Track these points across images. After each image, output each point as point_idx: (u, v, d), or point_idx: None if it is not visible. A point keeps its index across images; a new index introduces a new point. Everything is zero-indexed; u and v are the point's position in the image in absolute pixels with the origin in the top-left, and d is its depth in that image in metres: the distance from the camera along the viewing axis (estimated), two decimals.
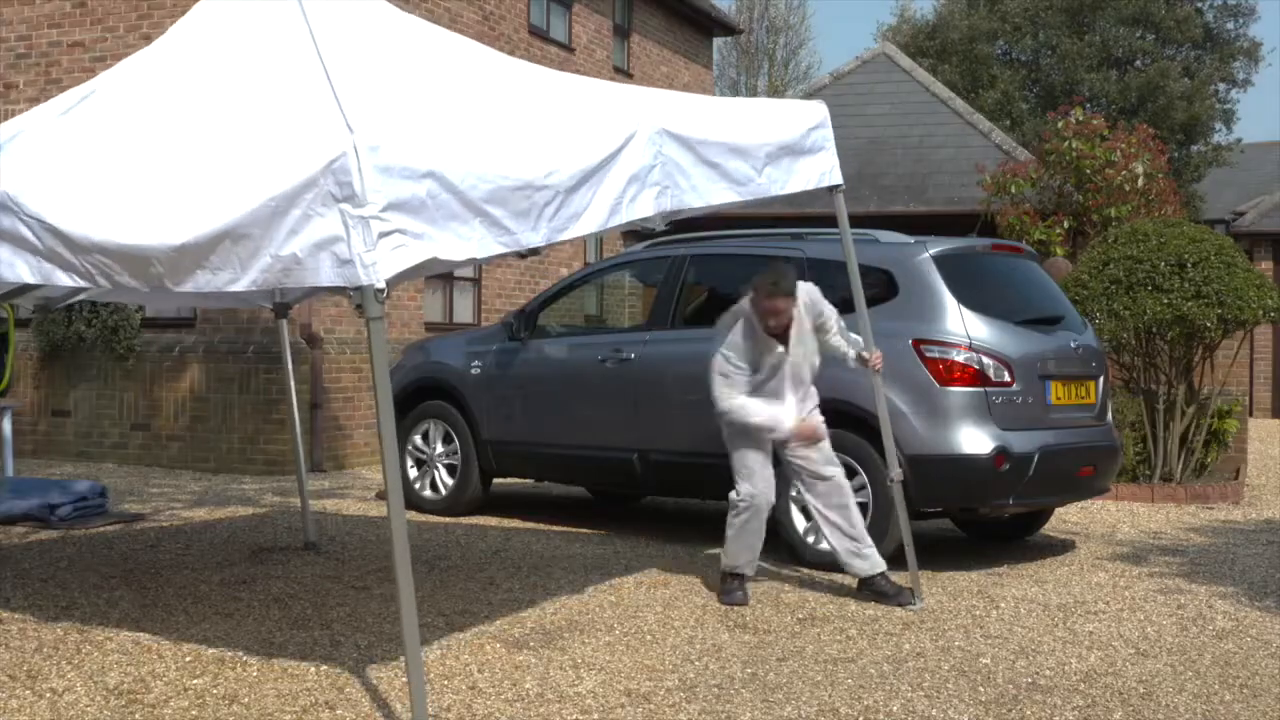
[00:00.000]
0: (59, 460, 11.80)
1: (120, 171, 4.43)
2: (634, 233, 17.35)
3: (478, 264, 5.60)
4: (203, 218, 4.01)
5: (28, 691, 4.61)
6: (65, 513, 8.22)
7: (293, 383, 7.85)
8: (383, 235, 3.76)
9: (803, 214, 16.12)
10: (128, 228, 4.17)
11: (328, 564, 7.06)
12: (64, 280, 4.39)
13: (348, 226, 3.75)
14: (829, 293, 7.58)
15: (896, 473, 6.39)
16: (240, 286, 4.01)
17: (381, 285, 3.75)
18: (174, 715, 4.39)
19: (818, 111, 6.12)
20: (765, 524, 6.35)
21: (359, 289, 3.75)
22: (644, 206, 4.86)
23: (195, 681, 4.76)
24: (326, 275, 3.82)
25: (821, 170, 6.09)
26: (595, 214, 4.60)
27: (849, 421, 7.14)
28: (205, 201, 4.05)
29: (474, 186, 4.07)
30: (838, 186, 6.21)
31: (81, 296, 7.26)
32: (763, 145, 5.65)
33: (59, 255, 4.33)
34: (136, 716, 4.37)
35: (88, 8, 12.00)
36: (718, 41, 27.04)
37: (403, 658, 5.09)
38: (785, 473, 7.32)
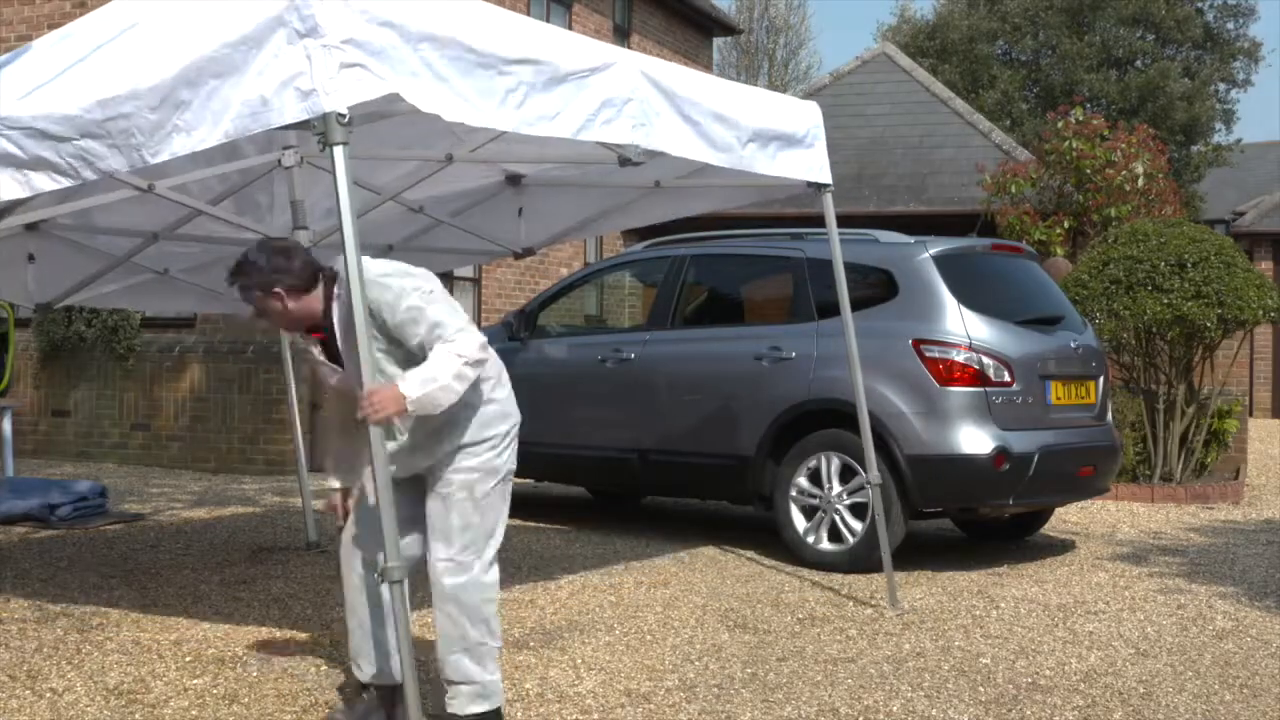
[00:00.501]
0: (59, 460, 11.80)
1: (96, 65, 4.44)
2: (634, 232, 17.36)
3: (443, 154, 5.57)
4: (173, 68, 4.07)
5: (28, 691, 4.61)
6: (65, 513, 8.22)
7: (292, 377, 7.82)
8: (345, 66, 3.82)
9: (803, 214, 16.13)
10: (104, 99, 4.21)
11: (328, 564, 7.06)
12: (47, 183, 4.37)
13: (310, 59, 3.81)
14: (829, 293, 7.59)
15: (875, 476, 6.36)
16: (214, 140, 4.03)
17: (344, 111, 3.79)
18: (174, 715, 4.39)
19: (812, 110, 6.18)
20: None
21: (322, 117, 3.79)
22: (618, 132, 4.88)
23: (195, 681, 4.76)
24: (291, 112, 3.86)
25: (809, 164, 6.11)
26: (566, 121, 4.64)
27: (849, 422, 7.13)
28: (175, 60, 4.10)
29: (434, 48, 4.11)
30: (826, 186, 6.24)
31: (80, 298, 7.24)
32: (749, 122, 5.67)
33: (42, 159, 4.34)
34: (136, 716, 4.37)
35: (88, 7, 11.99)
36: (718, 41, 27.04)
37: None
38: (785, 470, 7.34)
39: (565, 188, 6.89)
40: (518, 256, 7.57)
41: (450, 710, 4.10)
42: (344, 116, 3.79)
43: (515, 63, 4.41)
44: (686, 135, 5.29)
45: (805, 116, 6.11)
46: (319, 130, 3.82)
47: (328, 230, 6.34)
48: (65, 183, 4.36)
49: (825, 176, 6.21)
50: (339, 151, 3.79)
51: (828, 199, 6.30)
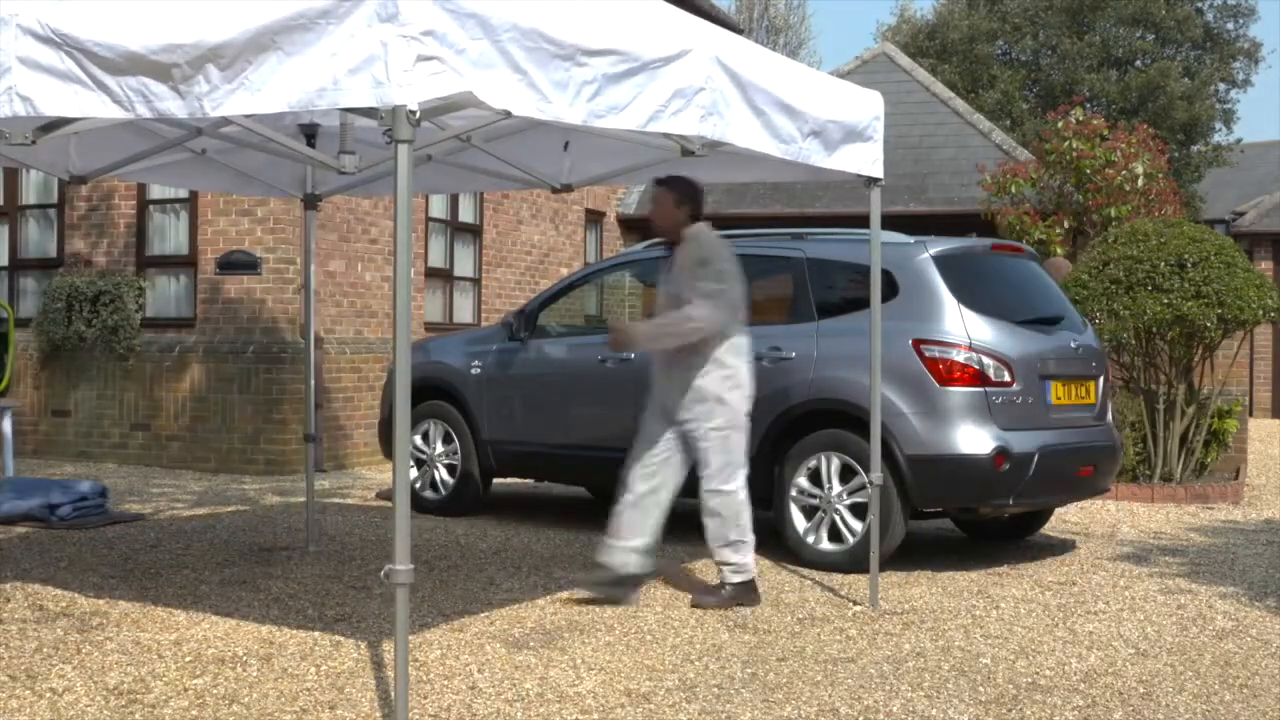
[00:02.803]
0: (59, 460, 11.80)
1: (175, 3, 4.35)
2: (634, 232, 17.37)
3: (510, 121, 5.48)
4: (250, 25, 4.02)
5: (28, 691, 4.61)
6: (66, 513, 8.22)
7: (313, 345, 7.68)
8: (421, 59, 3.77)
9: (803, 214, 16.14)
10: (174, 43, 4.16)
11: (328, 564, 7.06)
12: (100, 109, 4.33)
13: (386, 47, 3.77)
14: (829, 292, 7.63)
15: (877, 477, 6.33)
16: (277, 108, 4.01)
17: (414, 107, 3.76)
18: (174, 715, 4.39)
19: (875, 100, 6.13)
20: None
21: (391, 110, 3.76)
22: (686, 124, 4.83)
23: (195, 681, 4.76)
24: (360, 96, 3.83)
25: (865, 158, 6.09)
26: (636, 113, 4.58)
27: (849, 422, 7.15)
28: (253, 16, 4.04)
29: (515, 40, 4.07)
30: (877, 180, 6.19)
31: (119, 173, 7.05)
32: (814, 112, 5.64)
33: (103, 84, 4.30)
34: (136, 716, 4.37)
35: None
36: None
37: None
38: (785, 470, 7.34)
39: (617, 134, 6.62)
40: (556, 190, 7.47)
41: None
42: (414, 113, 3.77)
43: (595, 54, 4.36)
44: (752, 126, 5.24)
45: (868, 107, 6.06)
46: (386, 124, 3.80)
47: (376, 160, 6.23)
48: (117, 113, 4.30)
49: (878, 170, 6.17)
50: (403, 150, 3.77)
51: (875, 194, 6.26)
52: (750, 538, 6.17)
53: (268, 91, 4.00)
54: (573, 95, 4.30)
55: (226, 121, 5.85)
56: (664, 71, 4.67)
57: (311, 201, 7.57)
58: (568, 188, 7.41)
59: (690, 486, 6.23)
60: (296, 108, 4.00)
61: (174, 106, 4.18)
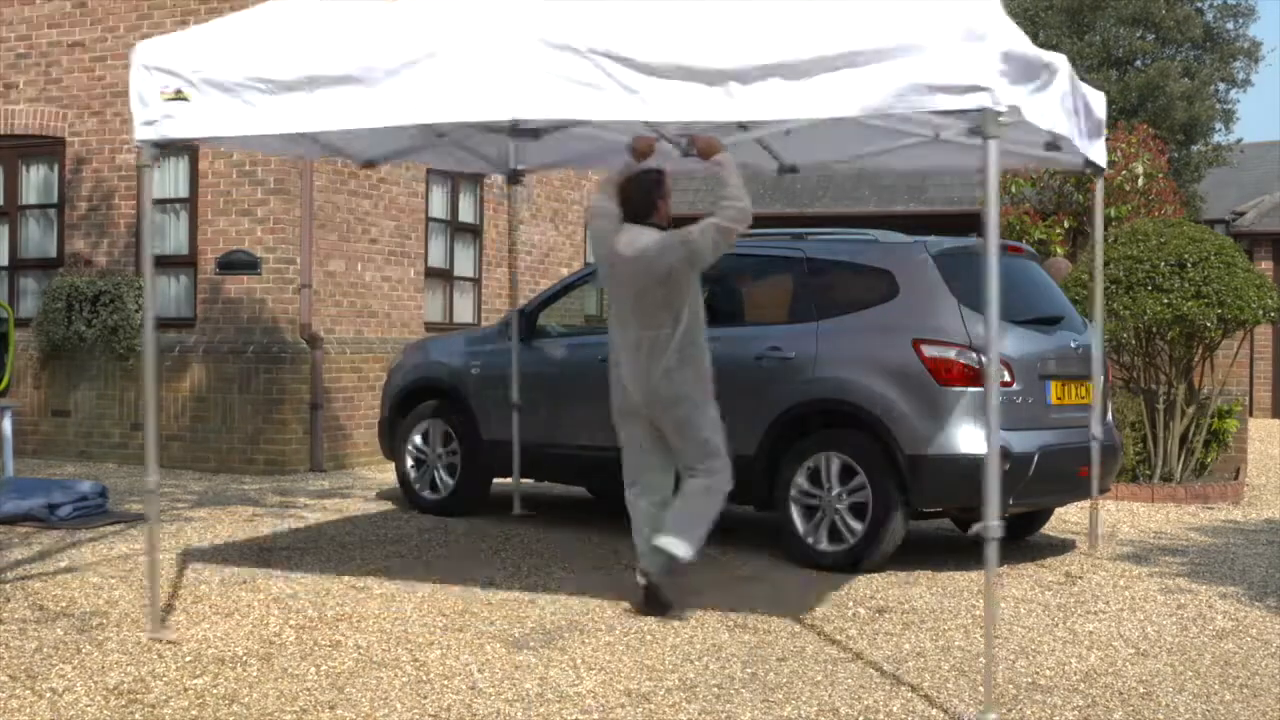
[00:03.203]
0: (60, 460, 11.80)
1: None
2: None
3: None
4: (823, 51, 4.44)
5: (28, 691, 4.61)
6: (66, 512, 8.22)
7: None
8: (1001, 74, 4.35)
9: (803, 214, 16.15)
10: (734, 60, 4.47)
11: (328, 564, 7.06)
12: (613, 111, 4.60)
13: (977, 60, 4.33)
14: (829, 292, 7.61)
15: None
16: (847, 113, 4.49)
17: (1004, 109, 4.36)
18: (174, 715, 4.39)
19: (1101, 99, 7.09)
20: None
21: (980, 112, 4.35)
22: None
23: (195, 681, 4.77)
24: (949, 101, 4.39)
25: (1102, 148, 7.14)
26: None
27: (849, 421, 7.15)
28: (831, 43, 4.46)
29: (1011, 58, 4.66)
30: (1102, 170, 7.33)
31: (397, 159, 7.92)
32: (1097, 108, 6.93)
33: (630, 87, 4.56)
34: (136, 716, 4.37)
35: (88, 8, 12.00)
36: None
37: (402, 654, 5.09)
38: (785, 470, 7.34)
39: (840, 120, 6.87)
40: (781, 171, 7.98)
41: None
42: (1001, 113, 4.36)
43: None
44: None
45: (1101, 103, 6.94)
46: (976, 124, 4.44)
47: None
48: (635, 114, 4.60)
49: (1104, 159, 7.15)
50: (992, 145, 4.37)
51: (1099, 185, 7.57)
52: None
53: (834, 99, 4.44)
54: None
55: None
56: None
57: (514, 177, 8.51)
58: (793, 169, 7.98)
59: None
60: (866, 112, 4.52)
61: (710, 110, 4.50)
